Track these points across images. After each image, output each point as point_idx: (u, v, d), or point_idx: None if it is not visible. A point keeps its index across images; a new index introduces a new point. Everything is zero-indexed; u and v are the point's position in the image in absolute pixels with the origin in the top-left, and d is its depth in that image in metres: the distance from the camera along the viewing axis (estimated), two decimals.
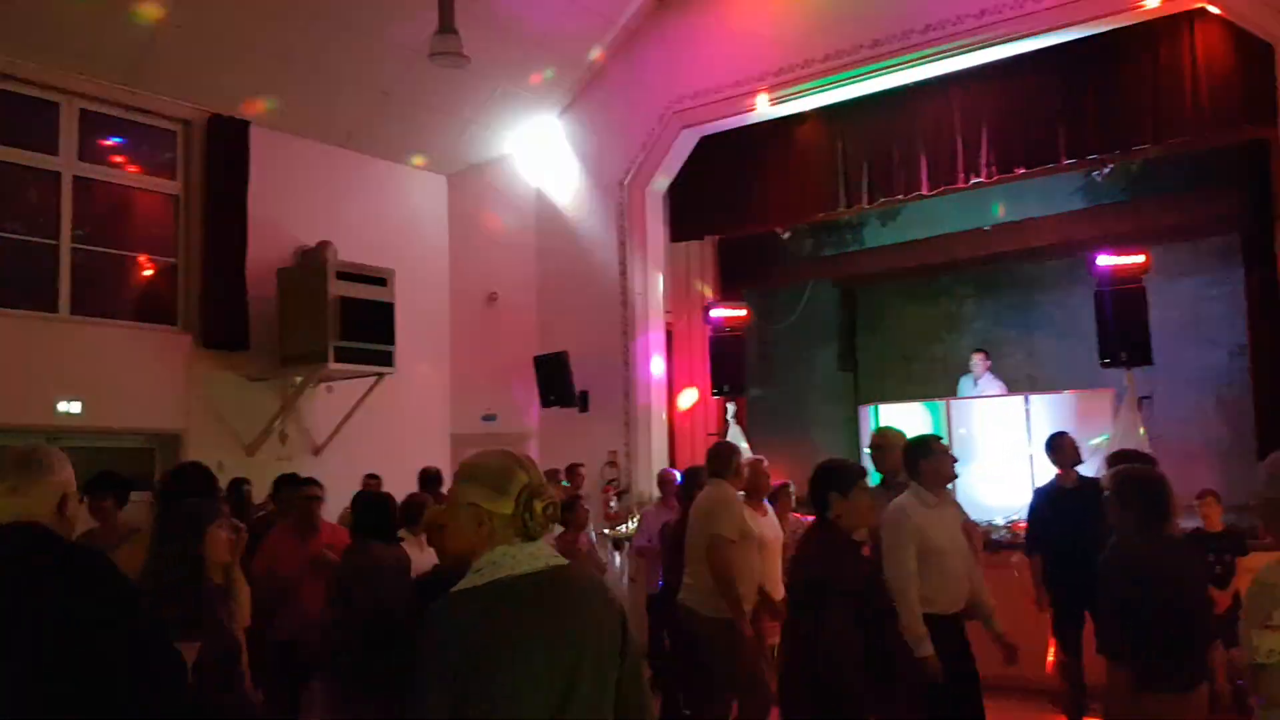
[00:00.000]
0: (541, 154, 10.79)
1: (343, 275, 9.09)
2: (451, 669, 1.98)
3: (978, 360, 10.15)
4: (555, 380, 10.06)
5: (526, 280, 10.73)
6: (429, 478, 7.56)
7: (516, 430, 10.56)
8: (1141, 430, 7.83)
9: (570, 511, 6.68)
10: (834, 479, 4.03)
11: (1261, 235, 8.13)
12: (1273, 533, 2.79)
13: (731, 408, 10.33)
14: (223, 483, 5.48)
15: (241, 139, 9.20)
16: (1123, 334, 7.85)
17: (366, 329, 9.10)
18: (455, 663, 1.98)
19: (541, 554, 2.14)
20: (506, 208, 10.95)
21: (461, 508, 2.17)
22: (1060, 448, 6.41)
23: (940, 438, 5.10)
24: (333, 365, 8.94)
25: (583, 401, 10.13)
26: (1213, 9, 7.17)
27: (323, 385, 9.63)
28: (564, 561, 2.17)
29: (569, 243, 10.48)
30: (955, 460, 4.83)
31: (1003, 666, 4.57)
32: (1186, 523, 6.39)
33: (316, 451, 9.59)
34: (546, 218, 10.71)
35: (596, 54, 10.06)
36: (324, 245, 9.44)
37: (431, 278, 10.89)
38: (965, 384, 10.31)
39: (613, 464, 9.97)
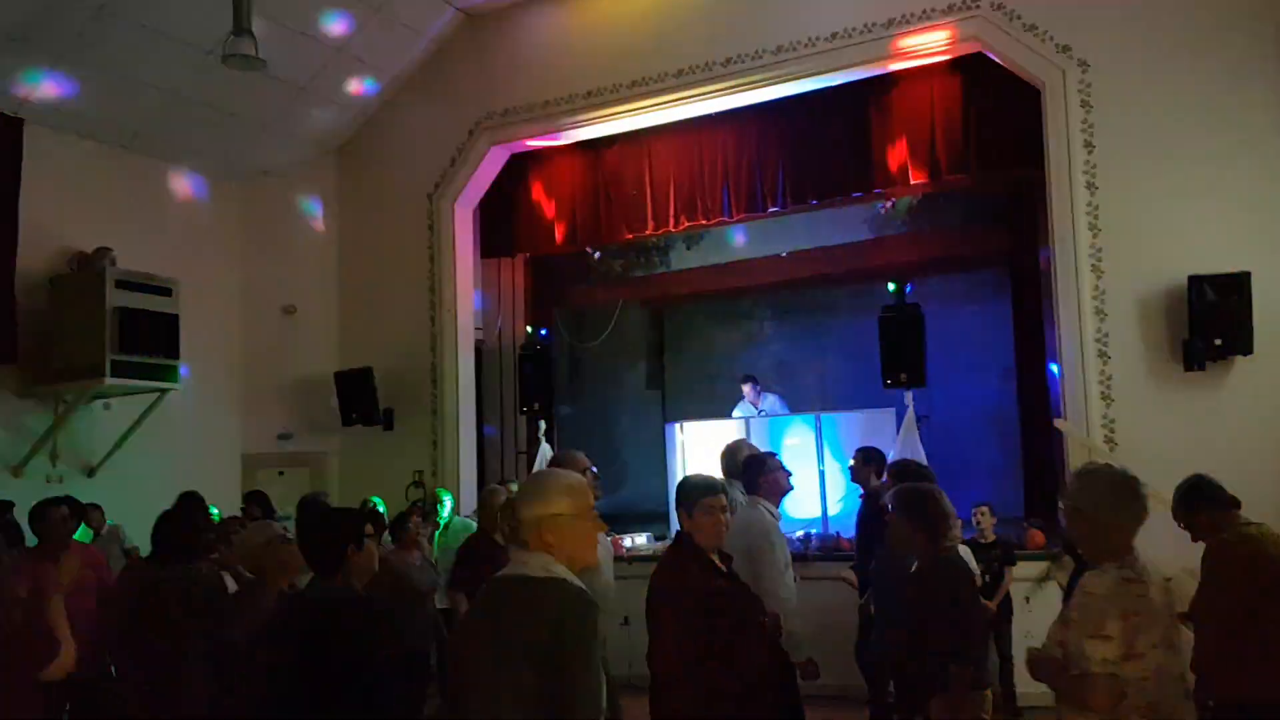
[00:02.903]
0: (345, 163, 10.48)
1: (123, 284, 8.48)
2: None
3: (747, 389, 10.52)
4: (358, 397, 9.76)
5: (327, 292, 10.38)
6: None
7: (315, 450, 10.17)
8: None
9: (401, 527, 6.47)
10: (682, 496, 3.86)
11: (1028, 269, 8.91)
12: (1075, 539, 3.00)
13: (542, 425, 10.33)
14: None
15: (14, 138, 8.44)
16: (903, 357, 8.39)
17: (148, 342, 8.51)
18: None
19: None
20: (306, 217, 10.57)
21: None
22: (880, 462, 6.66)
23: (775, 454, 5.25)
24: (110, 380, 8.31)
25: (387, 419, 9.87)
26: (991, 56, 7.79)
27: (99, 402, 8.95)
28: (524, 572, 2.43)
29: (374, 255, 10.21)
30: (789, 474, 4.97)
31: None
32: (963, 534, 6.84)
33: (91, 472, 8.88)
34: (350, 229, 10.41)
35: (404, 64, 9.87)
36: (102, 252, 8.77)
37: (223, 288, 10.32)
38: (743, 407, 10.57)
39: (418, 484, 9.74)
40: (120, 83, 8.68)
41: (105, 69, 8.47)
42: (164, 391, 8.83)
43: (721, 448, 5.62)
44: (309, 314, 10.38)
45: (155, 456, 8.95)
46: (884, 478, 5.93)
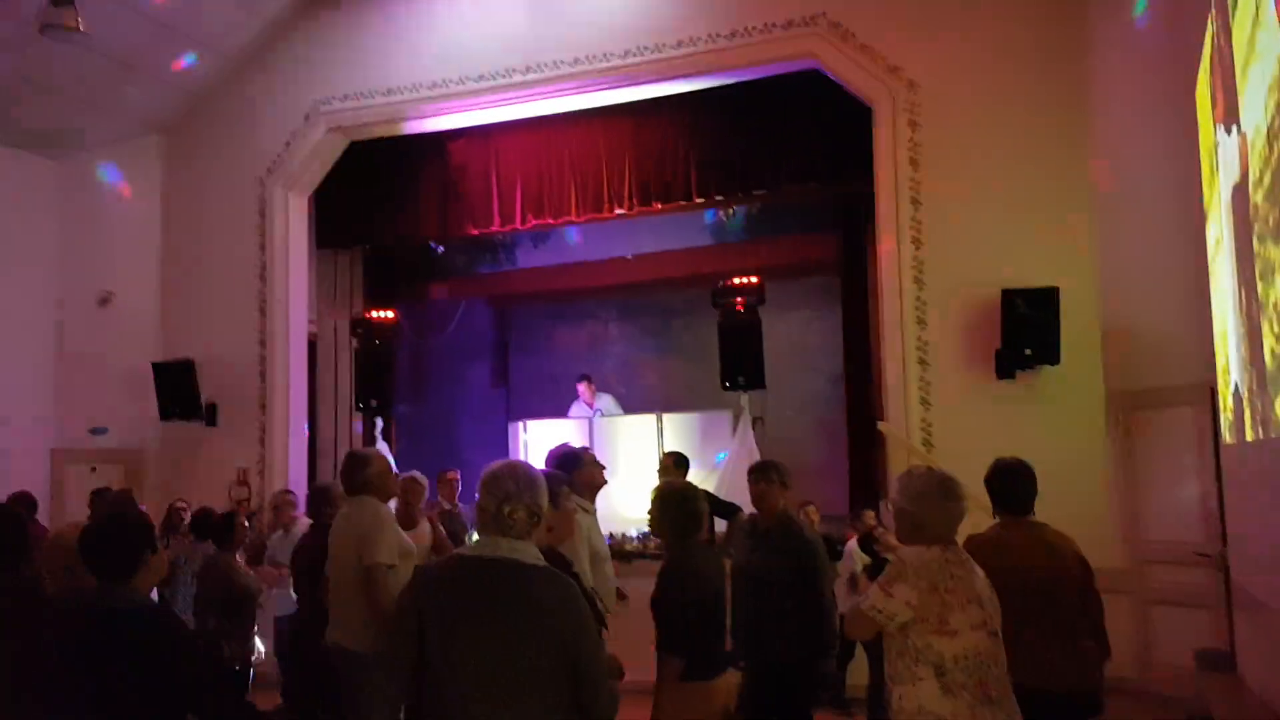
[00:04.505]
0: (172, 143, 9.94)
1: None
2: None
3: (582, 389, 10.59)
4: (178, 390, 9.26)
5: (148, 280, 9.80)
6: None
7: (131, 445, 9.60)
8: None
9: (228, 529, 6.09)
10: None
11: (857, 278, 9.30)
12: (900, 535, 3.23)
13: (379, 423, 10.08)
14: None
15: None
16: (741, 360, 8.61)
17: None
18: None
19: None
20: (127, 200, 9.95)
21: None
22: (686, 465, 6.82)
23: (589, 449, 5.33)
24: None
25: (210, 414, 9.40)
26: (825, 72, 8.07)
27: None
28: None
29: (200, 242, 9.70)
30: (604, 469, 5.06)
31: None
32: None
33: None
34: (175, 213, 9.86)
35: (238, 43, 9.42)
36: None
37: (34, 274, 9.63)
38: (578, 408, 10.62)
39: (243, 483, 9.32)
40: None
41: None
42: None
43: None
44: (127, 302, 9.79)
45: None
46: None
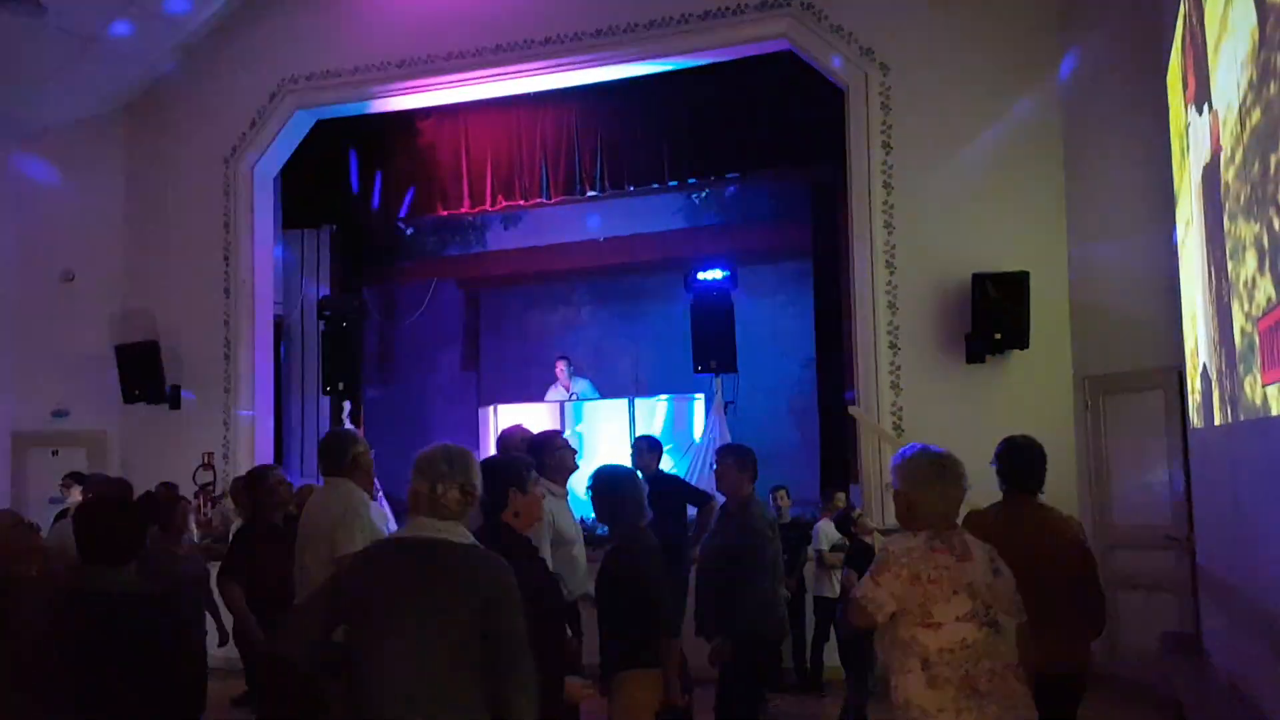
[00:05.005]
0: (134, 121, 9.73)
1: None
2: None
3: (560, 367, 10.48)
4: (141, 373, 9.10)
5: (111, 260, 9.61)
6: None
7: (93, 428, 9.42)
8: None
9: (169, 513, 5.95)
10: (511, 474, 3.43)
11: (830, 263, 9.25)
12: (899, 518, 3.08)
13: (347, 406, 9.95)
14: None
15: None
16: (713, 344, 8.56)
17: None
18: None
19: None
20: (90, 177, 9.73)
21: None
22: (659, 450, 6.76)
23: (561, 433, 5.29)
24: None
25: (174, 397, 9.24)
26: (798, 53, 8.00)
27: None
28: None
29: (164, 221, 9.52)
30: (575, 453, 5.01)
31: None
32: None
33: None
34: (139, 192, 9.67)
35: (201, 19, 9.20)
36: None
37: None
38: (555, 391, 10.49)
39: (207, 466, 9.18)
40: None
41: None
42: None
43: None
44: (89, 282, 9.60)
45: None
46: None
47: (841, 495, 7.34)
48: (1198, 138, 4.39)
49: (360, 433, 9.33)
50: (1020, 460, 3.78)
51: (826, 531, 6.94)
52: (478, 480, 2.69)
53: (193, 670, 4.07)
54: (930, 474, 2.98)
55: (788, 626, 5.11)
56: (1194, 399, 5.21)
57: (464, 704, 2.47)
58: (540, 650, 2.71)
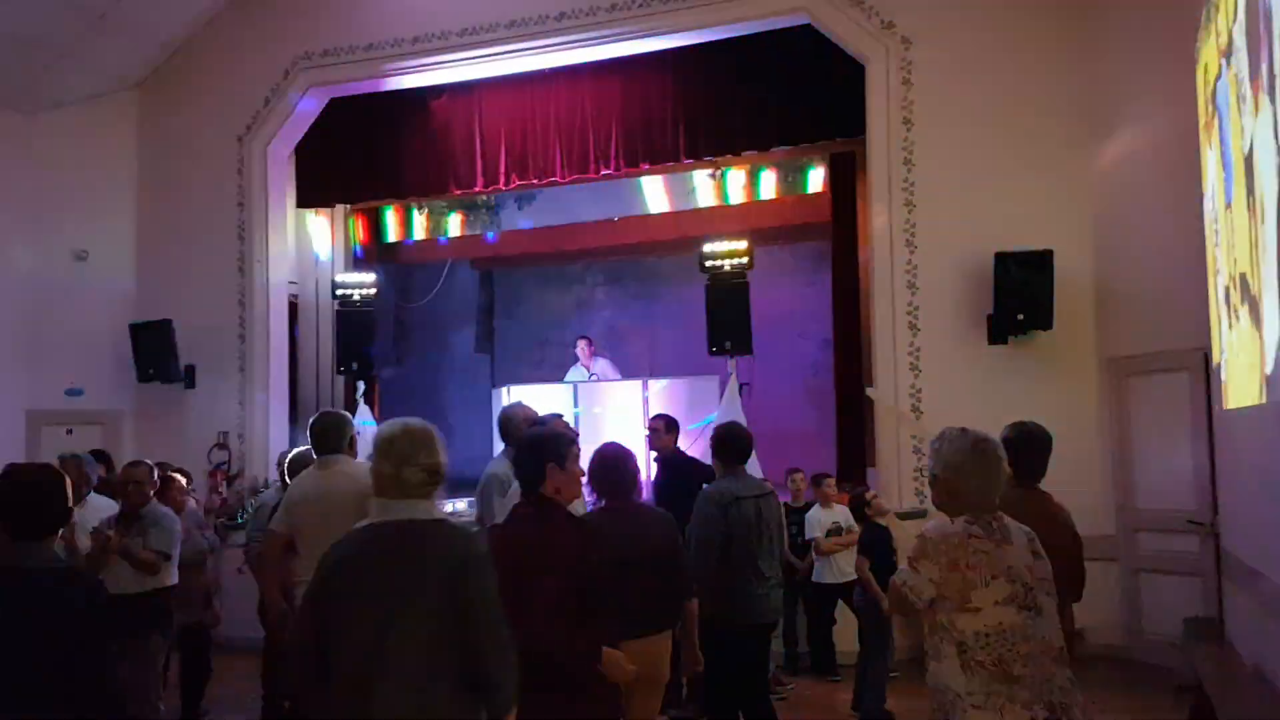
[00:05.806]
0: (148, 99, 9.68)
1: None
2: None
3: (582, 346, 10.40)
4: (156, 352, 9.08)
5: (124, 238, 9.59)
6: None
7: (108, 407, 9.42)
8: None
9: (165, 488, 5.93)
10: (550, 449, 3.42)
11: (848, 242, 9.11)
12: (938, 503, 3.00)
13: (361, 386, 9.91)
14: None
15: None
16: (729, 326, 8.45)
17: None
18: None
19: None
20: (103, 156, 9.70)
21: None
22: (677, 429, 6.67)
23: (561, 415, 5.18)
24: None
25: (189, 377, 9.23)
26: (817, 27, 7.85)
27: None
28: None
29: (178, 200, 9.49)
30: (576, 434, 4.94)
31: None
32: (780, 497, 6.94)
33: None
34: (152, 171, 9.64)
35: None
36: None
37: (6, 234, 9.39)
38: (575, 371, 10.41)
39: (222, 446, 9.17)
40: None
41: None
42: None
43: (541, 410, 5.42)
44: (103, 260, 9.58)
45: None
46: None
47: (799, 474, 7.25)
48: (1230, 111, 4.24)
49: (369, 413, 9.34)
50: (1030, 451, 3.78)
51: (817, 519, 6.84)
52: (442, 459, 2.63)
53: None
54: (974, 459, 2.89)
55: (767, 610, 4.79)
56: (1223, 379, 5.09)
57: (445, 682, 2.43)
58: (591, 608, 3.06)
